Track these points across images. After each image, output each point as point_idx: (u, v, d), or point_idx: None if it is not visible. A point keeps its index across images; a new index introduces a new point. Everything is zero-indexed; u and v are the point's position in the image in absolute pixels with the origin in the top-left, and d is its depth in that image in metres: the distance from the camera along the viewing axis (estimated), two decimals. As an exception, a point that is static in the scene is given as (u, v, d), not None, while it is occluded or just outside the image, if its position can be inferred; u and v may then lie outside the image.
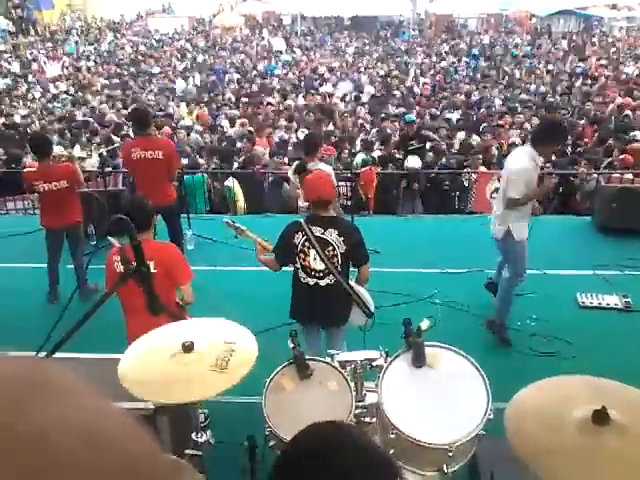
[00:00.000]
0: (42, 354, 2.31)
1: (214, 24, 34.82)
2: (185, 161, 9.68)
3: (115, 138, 11.39)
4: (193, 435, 2.74)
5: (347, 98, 16.73)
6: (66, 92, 19.68)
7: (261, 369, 2.59)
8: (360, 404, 3.01)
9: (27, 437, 0.42)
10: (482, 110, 14.58)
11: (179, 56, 26.32)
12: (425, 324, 3.03)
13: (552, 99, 15.92)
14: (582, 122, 13.06)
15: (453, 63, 22.75)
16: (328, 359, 3.17)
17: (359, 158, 10.01)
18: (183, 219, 7.30)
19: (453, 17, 33.76)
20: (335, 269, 4.05)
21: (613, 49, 24.63)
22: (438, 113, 14.29)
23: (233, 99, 16.87)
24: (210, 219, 8.50)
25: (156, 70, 23.08)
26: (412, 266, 6.84)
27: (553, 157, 8.64)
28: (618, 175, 8.64)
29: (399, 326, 3.10)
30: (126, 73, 22.70)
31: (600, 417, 1.97)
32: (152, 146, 6.31)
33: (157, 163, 6.27)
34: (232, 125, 13.68)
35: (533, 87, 17.61)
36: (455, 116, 14.19)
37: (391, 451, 2.63)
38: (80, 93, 19.29)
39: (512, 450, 1.98)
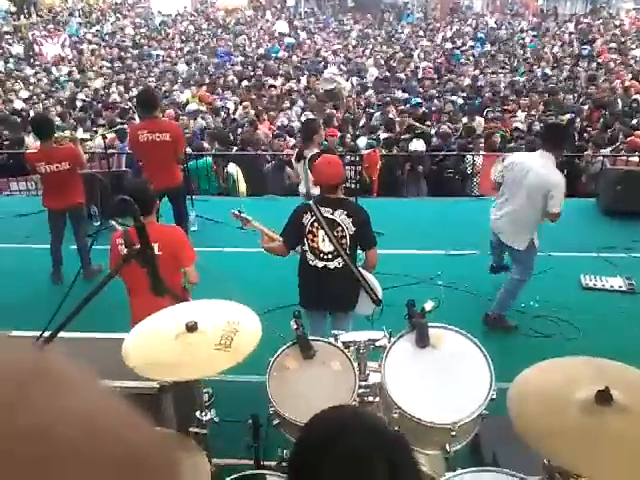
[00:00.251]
0: (47, 334, 2.33)
1: (217, 5, 34.52)
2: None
3: (119, 121, 11.36)
4: (197, 413, 2.75)
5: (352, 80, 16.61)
6: (68, 74, 19.60)
7: (265, 349, 2.60)
8: (363, 384, 3.02)
9: (30, 427, 0.42)
10: (486, 94, 14.47)
11: (183, 38, 26.15)
12: (429, 305, 3.03)
13: (557, 83, 15.77)
14: (586, 107, 12.94)
15: (458, 46, 22.51)
16: (331, 339, 3.17)
17: (363, 141, 9.97)
18: (187, 200, 7.31)
19: (458, -1, 33.39)
20: (344, 251, 4.02)
21: (619, 31, 24.34)
22: (442, 96, 14.20)
23: (236, 82, 16.78)
24: (213, 200, 8.50)
25: (159, 52, 22.94)
26: (416, 248, 6.84)
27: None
28: (624, 158, 8.59)
29: (403, 307, 3.11)
30: (129, 56, 22.57)
31: (603, 397, 1.98)
32: (159, 128, 6.30)
33: (164, 145, 6.26)
34: (236, 108, 13.63)
35: (539, 71, 17.45)
36: (460, 100, 14.08)
37: (394, 430, 2.64)
38: (82, 75, 19.20)
39: (514, 430, 1.99)
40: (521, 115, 12.21)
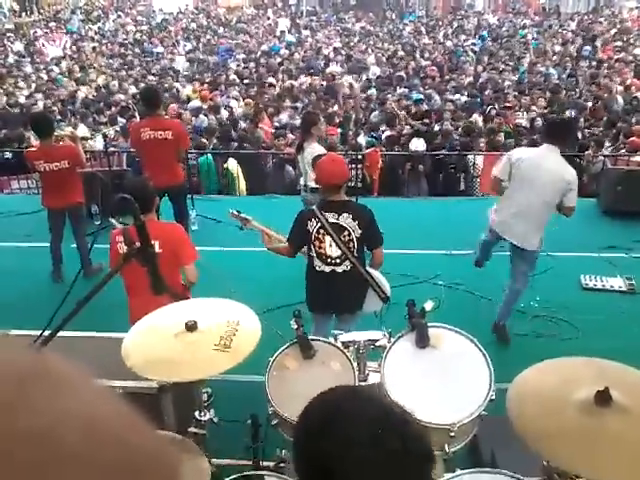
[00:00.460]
0: (46, 333, 2.33)
1: (219, 3, 34.49)
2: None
3: (121, 119, 11.35)
4: (196, 413, 2.75)
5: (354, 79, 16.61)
6: (69, 72, 19.57)
7: (264, 349, 2.60)
8: (363, 384, 3.02)
9: (30, 430, 0.42)
10: (488, 92, 14.44)
11: (185, 37, 26.11)
12: (429, 305, 3.03)
13: (559, 81, 15.75)
14: (590, 104, 12.92)
15: (459, 44, 22.48)
16: (331, 339, 3.17)
17: (363, 140, 9.97)
18: (187, 199, 7.31)
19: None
20: (351, 254, 3.98)
21: (621, 29, 24.29)
22: (447, 95, 14.18)
23: (237, 80, 16.77)
24: (214, 200, 8.49)
25: (160, 50, 22.91)
26: (416, 247, 6.83)
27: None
28: (625, 158, 8.58)
29: (403, 307, 3.11)
30: (130, 53, 22.54)
31: (602, 398, 1.97)
32: (161, 126, 6.31)
33: (166, 143, 6.27)
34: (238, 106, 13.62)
35: (543, 69, 17.41)
36: (463, 98, 14.05)
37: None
38: (82, 73, 19.18)
39: (514, 430, 1.99)
40: (523, 113, 12.19)
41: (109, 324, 3.48)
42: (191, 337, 2.48)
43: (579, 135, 10.40)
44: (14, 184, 9.60)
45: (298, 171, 7.21)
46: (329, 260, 4.01)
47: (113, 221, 3.18)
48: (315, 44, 23.30)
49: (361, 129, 11.33)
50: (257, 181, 9.37)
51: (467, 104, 13.14)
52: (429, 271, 6.29)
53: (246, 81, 16.40)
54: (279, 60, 19.78)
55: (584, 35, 22.33)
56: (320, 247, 4.00)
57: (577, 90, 14.48)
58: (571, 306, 5.65)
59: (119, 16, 32.02)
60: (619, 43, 20.85)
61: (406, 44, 22.66)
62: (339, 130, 10.66)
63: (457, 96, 13.99)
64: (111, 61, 21.20)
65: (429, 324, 2.96)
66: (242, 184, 9.38)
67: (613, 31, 23.89)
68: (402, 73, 16.97)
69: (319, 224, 3.97)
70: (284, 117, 12.24)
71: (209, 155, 9.61)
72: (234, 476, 2.38)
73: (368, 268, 4.14)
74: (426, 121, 11.32)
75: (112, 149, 9.12)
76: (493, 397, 2.66)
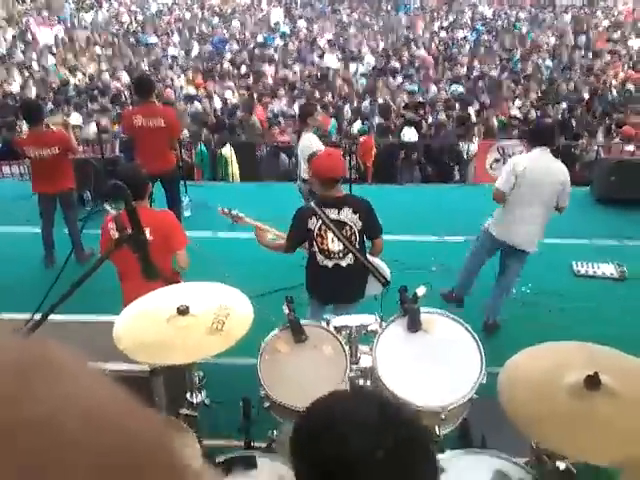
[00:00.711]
0: (37, 317, 2.32)
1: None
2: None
3: (114, 107, 11.31)
4: (188, 396, 2.76)
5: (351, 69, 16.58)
6: (62, 61, 19.43)
7: (256, 332, 2.60)
8: (355, 367, 3.03)
9: (31, 418, 0.42)
10: (483, 83, 14.43)
11: (179, 26, 25.94)
12: (421, 291, 3.04)
13: (554, 74, 15.76)
14: (587, 96, 12.93)
15: (454, 36, 22.41)
16: (323, 324, 3.17)
17: (355, 127, 9.98)
18: (180, 186, 7.30)
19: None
20: (354, 248, 3.95)
21: (615, 22, 24.29)
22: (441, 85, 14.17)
23: (232, 70, 16.70)
24: (207, 186, 8.48)
25: (154, 40, 22.75)
26: (409, 234, 6.84)
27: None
28: (618, 147, 8.60)
29: (395, 293, 3.11)
30: (123, 42, 22.38)
31: (592, 382, 1.99)
32: (154, 114, 6.30)
33: (159, 131, 6.26)
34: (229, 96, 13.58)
35: (539, 61, 17.39)
36: (460, 89, 14.03)
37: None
38: (76, 61, 19.06)
39: (504, 413, 2.01)
40: (517, 103, 12.19)
41: (101, 308, 3.46)
42: (183, 321, 2.48)
43: (573, 124, 10.44)
44: (5, 170, 9.58)
45: (295, 159, 7.23)
46: (332, 255, 3.96)
47: (107, 207, 3.17)
48: (309, 35, 23.19)
49: (356, 119, 11.33)
50: (251, 169, 9.36)
51: (461, 96, 13.13)
52: (422, 257, 6.30)
53: (241, 71, 16.33)
54: (273, 51, 19.71)
55: (578, 29, 22.28)
56: (322, 243, 3.95)
57: (572, 82, 14.48)
58: (563, 292, 5.67)
59: (112, 5, 31.74)
60: (614, 35, 20.84)
61: (401, 35, 22.59)
62: (332, 120, 10.65)
63: (453, 87, 13.98)
64: (104, 50, 21.05)
65: (421, 309, 2.97)
66: (235, 168, 9.37)
67: (606, 23, 23.87)
68: (397, 64, 16.94)
69: (320, 222, 3.91)
70: (278, 106, 12.21)
71: (202, 144, 9.60)
72: (225, 457, 2.39)
73: (368, 256, 4.12)
74: (421, 112, 11.32)
75: (105, 135, 9.08)
76: (484, 381, 2.67)
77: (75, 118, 10.28)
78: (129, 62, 18.36)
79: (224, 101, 12.93)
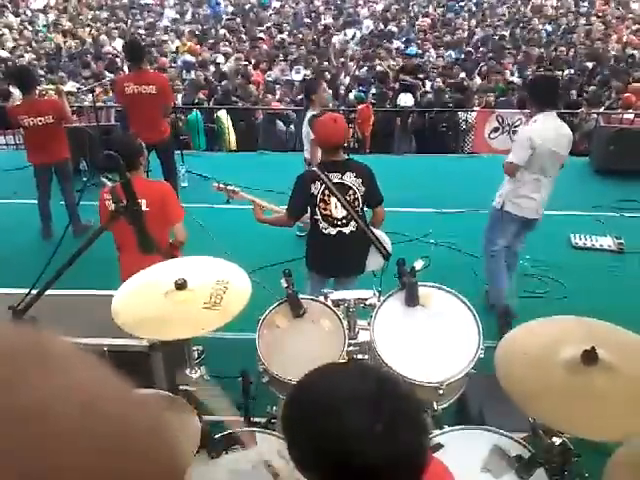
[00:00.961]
0: (35, 290, 2.31)
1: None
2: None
3: (108, 74, 11.14)
4: (187, 371, 2.77)
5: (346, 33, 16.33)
6: (54, 25, 19.06)
7: (254, 307, 2.60)
8: (353, 342, 3.04)
9: (29, 407, 0.42)
10: (482, 49, 14.23)
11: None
12: (419, 264, 3.02)
13: (552, 36, 15.55)
14: (590, 65, 12.75)
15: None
16: (321, 298, 3.17)
17: (352, 95, 9.87)
18: (177, 156, 7.22)
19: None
20: (356, 214, 3.91)
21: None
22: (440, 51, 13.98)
23: (227, 34, 16.43)
24: (204, 156, 8.41)
25: (148, 1, 22.30)
26: (407, 205, 6.81)
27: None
28: (618, 115, 8.53)
29: (393, 265, 3.10)
30: (117, 4, 21.95)
31: (589, 357, 2.00)
32: (145, 80, 6.19)
33: (150, 98, 6.17)
34: (227, 61, 13.37)
35: (539, 26, 17.11)
36: (452, 54, 13.85)
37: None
38: (69, 25, 18.70)
39: (501, 387, 2.01)
40: (515, 70, 12.06)
41: (98, 281, 3.46)
42: (181, 295, 2.47)
43: (575, 93, 10.31)
44: (0, 140, 9.46)
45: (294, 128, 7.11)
46: (335, 222, 3.90)
47: (104, 180, 3.14)
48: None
49: (353, 85, 11.21)
50: (247, 137, 9.28)
51: (459, 61, 12.97)
52: (420, 229, 6.29)
53: (236, 35, 16.07)
54: (269, 13, 19.39)
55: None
56: (326, 209, 3.88)
57: (572, 47, 14.28)
58: (560, 265, 5.68)
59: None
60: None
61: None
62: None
63: (449, 52, 13.81)
64: (97, 13, 20.64)
65: (419, 283, 2.96)
66: (232, 137, 9.28)
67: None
68: (394, 28, 16.68)
69: (323, 185, 3.85)
70: (275, 74, 12.06)
71: (197, 111, 9.48)
72: (224, 432, 2.40)
73: (371, 228, 4.08)
74: (420, 76, 11.18)
75: (100, 104, 8.97)
76: (482, 355, 2.68)
77: (70, 85, 10.13)
78: (125, 24, 17.99)
79: (216, 66, 12.73)
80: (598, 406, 1.96)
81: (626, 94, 9.09)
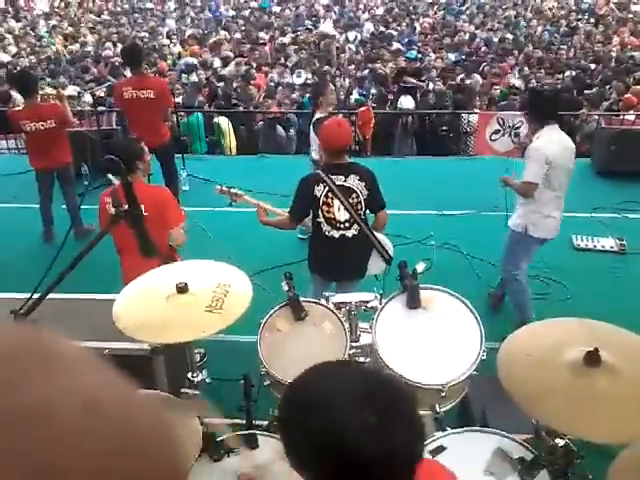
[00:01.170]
0: (37, 295, 2.31)
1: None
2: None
3: (111, 78, 11.15)
4: (189, 374, 2.77)
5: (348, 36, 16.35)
6: (53, 28, 19.10)
7: (256, 310, 2.59)
8: (354, 345, 3.04)
9: (32, 408, 0.42)
10: (482, 50, 14.23)
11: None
12: (421, 266, 3.03)
13: (553, 39, 15.55)
14: (592, 66, 12.74)
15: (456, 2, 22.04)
16: (323, 301, 3.17)
17: (353, 97, 9.87)
18: (178, 159, 7.23)
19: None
20: (359, 217, 3.91)
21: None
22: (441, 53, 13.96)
23: (228, 37, 16.46)
24: (205, 159, 8.41)
25: (150, 6, 22.40)
26: (409, 208, 6.80)
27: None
28: (619, 117, 8.52)
29: (395, 268, 3.10)
30: (119, 10, 22.05)
31: (592, 359, 1.99)
32: (144, 85, 6.20)
33: (149, 102, 6.17)
34: (225, 65, 13.36)
35: (539, 28, 17.11)
36: (452, 57, 13.83)
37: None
38: (71, 30, 18.76)
39: (504, 389, 2.01)
40: (516, 72, 12.05)
41: (100, 285, 3.46)
42: (182, 299, 2.47)
43: (575, 94, 10.30)
44: (2, 144, 9.45)
45: (294, 132, 7.11)
46: (338, 225, 3.90)
47: (111, 177, 3.13)
48: (307, 0, 22.83)
49: (353, 88, 11.21)
50: (248, 142, 9.28)
51: (460, 64, 12.96)
52: (421, 232, 6.28)
53: (236, 36, 16.10)
54: (270, 16, 19.44)
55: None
56: (329, 212, 3.88)
57: (572, 50, 14.28)
58: (562, 266, 5.66)
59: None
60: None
61: (401, 1, 22.22)
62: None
63: (450, 55, 13.81)
64: (98, 18, 20.72)
65: (421, 286, 2.96)
66: (232, 141, 9.28)
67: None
68: (394, 31, 16.70)
69: (327, 188, 3.85)
70: (274, 75, 12.06)
71: (198, 114, 9.48)
72: (226, 435, 2.40)
73: (373, 231, 4.07)
74: (423, 78, 11.17)
75: (101, 108, 8.98)
76: (484, 357, 2.68)
77: (71, 90, 10.14)
78: (126, 29, 18.04)
79: (214, 71, 12.74)
80: (601, 408, 1.96)
81: (627, 95, 9.08)
